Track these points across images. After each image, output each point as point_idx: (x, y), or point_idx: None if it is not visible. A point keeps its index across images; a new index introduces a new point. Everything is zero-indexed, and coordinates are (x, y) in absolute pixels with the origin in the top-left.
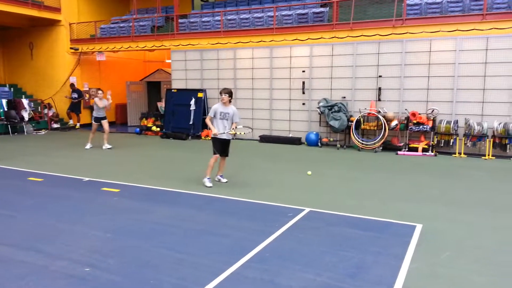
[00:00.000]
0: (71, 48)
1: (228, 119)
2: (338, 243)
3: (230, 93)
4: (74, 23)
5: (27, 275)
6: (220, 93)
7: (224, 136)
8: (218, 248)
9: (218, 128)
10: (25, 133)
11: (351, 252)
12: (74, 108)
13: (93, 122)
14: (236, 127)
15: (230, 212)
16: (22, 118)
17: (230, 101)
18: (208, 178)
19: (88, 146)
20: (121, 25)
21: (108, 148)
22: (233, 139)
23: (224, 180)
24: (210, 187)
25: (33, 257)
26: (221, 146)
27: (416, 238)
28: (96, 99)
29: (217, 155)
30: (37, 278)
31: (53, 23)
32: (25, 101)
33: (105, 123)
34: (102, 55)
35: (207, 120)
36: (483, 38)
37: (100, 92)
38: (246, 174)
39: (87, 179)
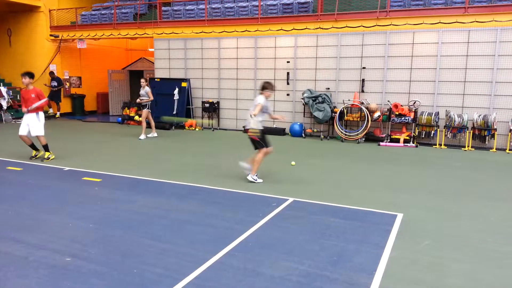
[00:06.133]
0: (51, 35)
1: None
2: (320, 232)
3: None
4: (54, 10)
5: (5, 265)
6: (263, 87)
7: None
8: (201, 237)
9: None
10: (3, 122)
11: (333, 240)
12: (54, 96)
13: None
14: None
15: (214, 202)
16: (0, 106)
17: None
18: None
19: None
20: (103, 12)
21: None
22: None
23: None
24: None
25: (12, 247)
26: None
27: (397, 227)
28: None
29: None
30: (16, 268)
31: (32, 9)
32: (3, 89)
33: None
34: (83, 43)
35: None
36: (465, 31)
37: (142, 80)
38: (230, 164)
39: (68, 168)
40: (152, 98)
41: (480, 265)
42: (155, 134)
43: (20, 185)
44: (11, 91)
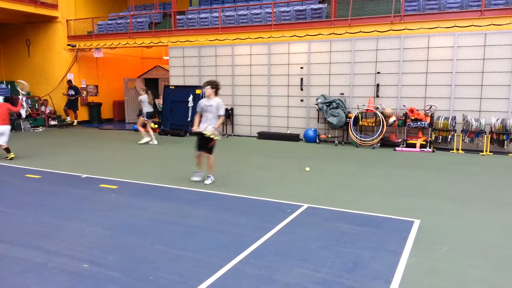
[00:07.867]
0: (68, 44)
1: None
2: (336, 238)
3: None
4: (71, 20)
5: (25, 271)
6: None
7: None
8: (216, 244)
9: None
10: (23, 130)
11: (348, 247)
12: (71, 105)
13: (146, 118)
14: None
15: (228, 208)
16: (19, 115)
17: (215, 94)
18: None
19: (154, 141)
20: (119, 21)
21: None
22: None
23: (207, 182)
24: (195, 181)
25: (31, 254)
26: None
27: (414, 234)
28: (144, 97)
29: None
30: (35, 274)
31: (50, 19)
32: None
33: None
34: (100, 52)
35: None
36: (481, 34)
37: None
38: (244, 170)
39: (85, 175)
40: (142, 107)
41: (499, 272)
42: (147, 139)
43: (39, 193)
44: (29, 100)
